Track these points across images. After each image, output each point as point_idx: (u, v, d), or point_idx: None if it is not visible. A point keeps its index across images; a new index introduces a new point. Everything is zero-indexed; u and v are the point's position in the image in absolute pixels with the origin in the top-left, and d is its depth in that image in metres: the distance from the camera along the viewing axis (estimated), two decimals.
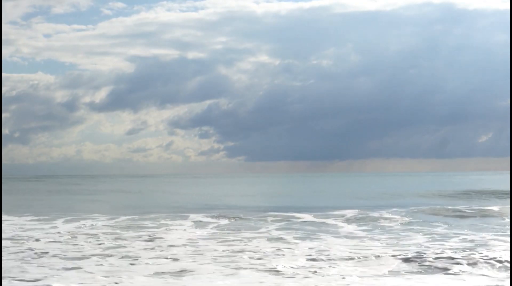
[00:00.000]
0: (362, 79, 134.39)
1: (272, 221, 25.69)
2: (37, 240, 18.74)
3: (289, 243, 17.81)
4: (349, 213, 29.60)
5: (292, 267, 13.31)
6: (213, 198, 48.35)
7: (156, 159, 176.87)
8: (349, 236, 19.79)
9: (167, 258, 14.72)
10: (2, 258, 14.45)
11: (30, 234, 20.37)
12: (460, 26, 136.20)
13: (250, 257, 14.88)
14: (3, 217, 26.29)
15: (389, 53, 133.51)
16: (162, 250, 16.24)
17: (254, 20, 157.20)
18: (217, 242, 17.95)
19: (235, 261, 14.29)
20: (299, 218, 26.99)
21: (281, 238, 19.09)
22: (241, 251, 15.91)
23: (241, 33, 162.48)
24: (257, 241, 18.34)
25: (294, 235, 19.91)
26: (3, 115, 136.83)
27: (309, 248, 16.41)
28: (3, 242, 17.66)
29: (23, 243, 17.88)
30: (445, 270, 13.16)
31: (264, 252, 15.62)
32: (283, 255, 15.17)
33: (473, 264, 13.74)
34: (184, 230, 22.06)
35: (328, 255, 15.10)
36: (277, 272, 12.90)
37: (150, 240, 18.48)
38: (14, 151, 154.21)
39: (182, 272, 12.89)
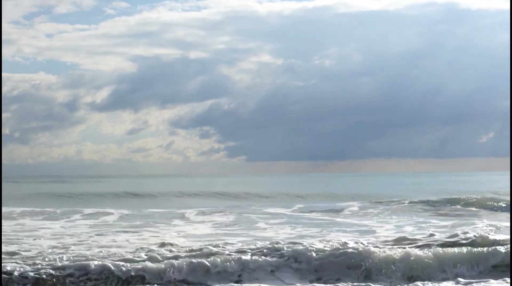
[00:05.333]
0: (365, 79, 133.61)
1: None
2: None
3: None
4: None
5: None
6: None
7: (156, 159, 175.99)
8: None
9: None
10: None
11: None
12: (463, 26, 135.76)
13: None
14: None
15: (392, 53, 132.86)
16: None
17: (257, 19, 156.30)
18: None
19: None
20: None
21: None
22: None
23: (243, 32, 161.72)
24: None
25: None
26: (4, 115, 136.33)
27: None
28: None
29: None
30: None
31: None
32: None
33: None
34: None
35: None
36: None
37: None
38: (14, 151, 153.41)
39: None
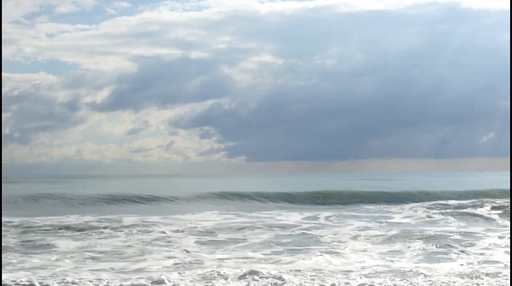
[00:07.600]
0: (366, 79, 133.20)
1: None
2: None
3: None
4: None
5: None
6: None
7: (156, 159, 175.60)
8: None
9: None
10: None
11: None
12: (464, 25, 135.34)
13: None
14: None
15: (393, 52, 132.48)
16: None
17: (258, 19, 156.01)
18: None
19: None
20: None
21: None
22: None
23: (244, 32, 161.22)
24: None
25: None
26: (4, 115, 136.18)
27: None
28: None
29: None
30: None
31: None
32: None
33: None
34: None
35: None
36: None
37: None
38: (14, 151, 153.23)
39: None
